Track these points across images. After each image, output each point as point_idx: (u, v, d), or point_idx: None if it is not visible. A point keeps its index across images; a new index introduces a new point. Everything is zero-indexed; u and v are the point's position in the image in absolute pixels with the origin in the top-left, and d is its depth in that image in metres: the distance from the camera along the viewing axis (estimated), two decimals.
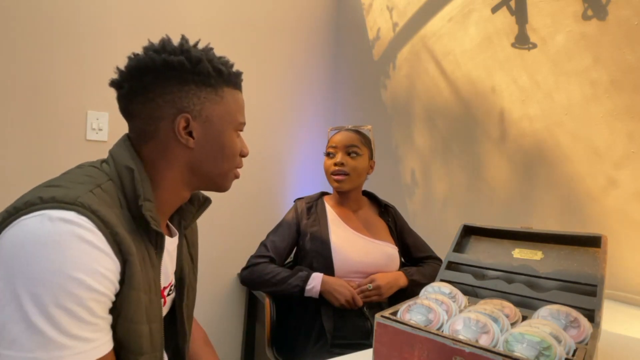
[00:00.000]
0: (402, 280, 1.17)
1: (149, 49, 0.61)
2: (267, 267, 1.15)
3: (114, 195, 0.57)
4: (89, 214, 0.50)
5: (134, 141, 0.63)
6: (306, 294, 1.11)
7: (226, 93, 0.65)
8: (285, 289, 1.12)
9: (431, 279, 1.17)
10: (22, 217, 0.48)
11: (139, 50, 0.63)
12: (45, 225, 0.47)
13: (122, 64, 0.63)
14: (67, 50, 1.43)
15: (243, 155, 0.71)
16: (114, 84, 0.63)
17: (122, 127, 0.65)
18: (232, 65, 0.67)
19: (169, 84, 0.60)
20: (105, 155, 0.64)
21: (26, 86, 1.37)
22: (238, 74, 0.68)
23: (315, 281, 1.11)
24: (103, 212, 0.51)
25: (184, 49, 0.61)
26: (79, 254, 0.48)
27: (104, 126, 1.49)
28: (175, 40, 0.64)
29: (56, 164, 1.42)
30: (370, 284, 1.11)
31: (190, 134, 0.62)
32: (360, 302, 1.10)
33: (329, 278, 1.12)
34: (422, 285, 1.19)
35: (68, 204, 0.50)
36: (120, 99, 0.63)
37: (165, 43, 0.62)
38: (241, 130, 0.70)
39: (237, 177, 0.71)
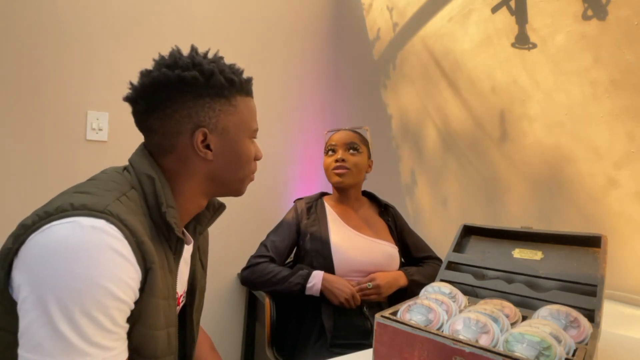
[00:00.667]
0: (402, 280, 1.16)
1: (161, 64, 0.62)
2: (268, 267, 1.15)
3: (137, 202, 0.58)
4: (118, 223, 0.51)
5: (153, 153, 0.64)
6: (307, 292, 1.11)
7: (239, 102, 0.65)
8: (286, 287, 1.12)
9: (431, 279, 1.17)
10: (53, 223, 0.49)
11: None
12: (76, 232, 0.48)
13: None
14: (67, 51, 1.43)
15: (257, 159, 0.72)
16: (129, 100, 0.63)
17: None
18: (242, 73, 0.67)
19: (184, 99, 0.61)
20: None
21: (26, 86, 1.37)
22: (249, 81, 0.68)
23: (316, 279, 1.11)
24: (130, 221, 0.53)
25: (196, 62, 0.61)
26: (107, 262, 0.49)
27: (104, 126, 1.48)
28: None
29: (56, 164, 1.42)
30: (370, 283, 1.12)
31: (208, 146, 0.63)
32: (359, 301, 1.10)
33: (329, 276, 1.12)
34: (422, 285, 1.18)
35: (98, 212, 0.51)
36: (136, 115, 0.64)
37: (177, 57, 0.62)
38: (255, 137, 0.70)
39: (252, 180, 0.72)
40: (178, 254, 0.63)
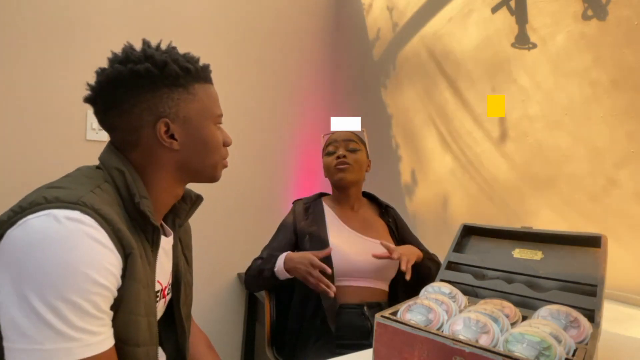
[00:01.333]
0: (417, 251, 1.13)
1: (114, 60, 0.62)
2: (254, 265, 1.17)
3: (111, 195, 0.58)
4: (92, 213, 0.51)
5: (121, 149, 0.64)
6: (280, 277, 1.09)
7: (198, 89, 0.66)
8: (265, 277, 1.11)
9: (437, 265, 1.17)
10: (28, 217, 0.49)
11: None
12: (52, 224, 0.49)
13: None
14: (67, 50, 1.43)
15: (226, 145, 0.72)
16: (88, 100, 0.64)
17: None
18: (197, 61, 0.67)
19: (141, 93, 0.61)
20: None
21: (26, 86, 1.37)
22: (205, 68, 0.68)
23: (281, 260, 1.09)
24: (105, 210, 0.53)
25: (148, 54, 0.61)
26: (87, 250, 0.49)
27: None
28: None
29: (56, 164, 1.42)
30: (393, 255, 1.02)
31: (172, 136, 0.63)
32: (328, 270, 1.02)
33: (291, 254, 1.09)
34: (432, 262, 1.16)
35: (72, 203, 0.51)
36: (97, 114, 0.64)
37: (128, 52, 0.62)
38: (220, 123, 0.71)
39: (225, 166, 0.72)
40: (155, 244, 0.63)
